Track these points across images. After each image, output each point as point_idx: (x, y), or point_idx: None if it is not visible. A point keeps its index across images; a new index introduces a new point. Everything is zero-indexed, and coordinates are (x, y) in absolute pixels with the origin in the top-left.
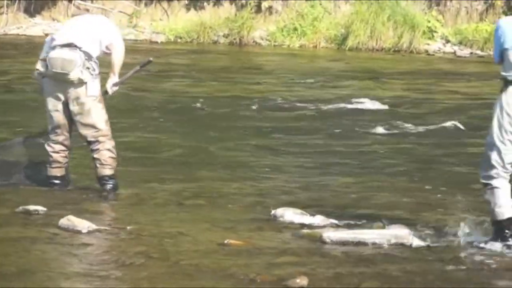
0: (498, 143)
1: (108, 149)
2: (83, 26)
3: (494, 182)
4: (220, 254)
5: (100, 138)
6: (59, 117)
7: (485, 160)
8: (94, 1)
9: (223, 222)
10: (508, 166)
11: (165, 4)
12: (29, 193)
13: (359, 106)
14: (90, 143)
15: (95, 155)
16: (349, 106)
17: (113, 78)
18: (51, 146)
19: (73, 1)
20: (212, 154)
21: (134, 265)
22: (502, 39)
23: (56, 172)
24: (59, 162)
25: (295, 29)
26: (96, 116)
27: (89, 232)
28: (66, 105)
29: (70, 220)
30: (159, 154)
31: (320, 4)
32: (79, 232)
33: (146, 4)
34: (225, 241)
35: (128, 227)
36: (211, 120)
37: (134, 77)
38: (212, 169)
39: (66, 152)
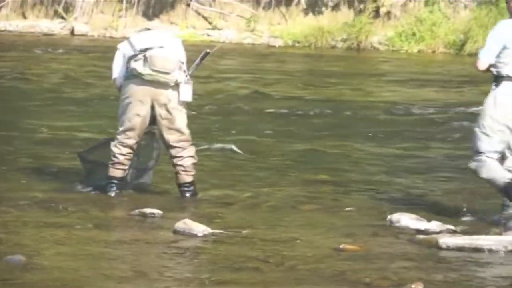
0: (488, 132)
1: (191, 156)
2: (163, 36)
3: (486, 163)
4: (335, 259)
5: (184, 144)
6: (138, 121)
7: (475, 149)
8: (212, 5)
9: (338, 227)
10: (495, 155)
11: (283, 9)
12: (145, 196)
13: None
14: (172, 147)
15: (178, 162)
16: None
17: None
18: (118, 148)
19: (191, 5)
20: (327, 158)
21: (249, 269)
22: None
23: (118, 173)
24: (123, 164)
25: (413, 34)
26: (181, 121)
27: (205, 236)
28: (151, 109)
29: (186, 224)
30: (273, 157)
31: (439, 10)
32: (194, 235)
33: (264, 8)
34: (341, 246)
35: (244, 231)
36: (328, 124)
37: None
38: (326, 173)
39: (132, 155)
